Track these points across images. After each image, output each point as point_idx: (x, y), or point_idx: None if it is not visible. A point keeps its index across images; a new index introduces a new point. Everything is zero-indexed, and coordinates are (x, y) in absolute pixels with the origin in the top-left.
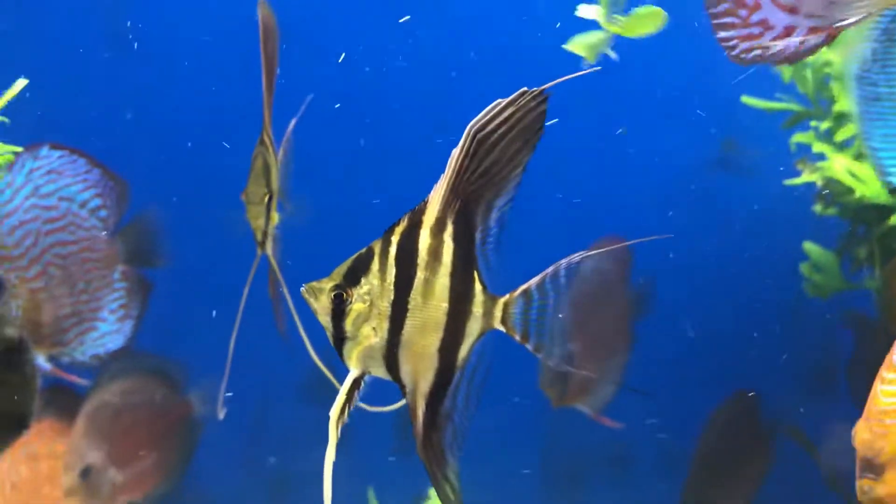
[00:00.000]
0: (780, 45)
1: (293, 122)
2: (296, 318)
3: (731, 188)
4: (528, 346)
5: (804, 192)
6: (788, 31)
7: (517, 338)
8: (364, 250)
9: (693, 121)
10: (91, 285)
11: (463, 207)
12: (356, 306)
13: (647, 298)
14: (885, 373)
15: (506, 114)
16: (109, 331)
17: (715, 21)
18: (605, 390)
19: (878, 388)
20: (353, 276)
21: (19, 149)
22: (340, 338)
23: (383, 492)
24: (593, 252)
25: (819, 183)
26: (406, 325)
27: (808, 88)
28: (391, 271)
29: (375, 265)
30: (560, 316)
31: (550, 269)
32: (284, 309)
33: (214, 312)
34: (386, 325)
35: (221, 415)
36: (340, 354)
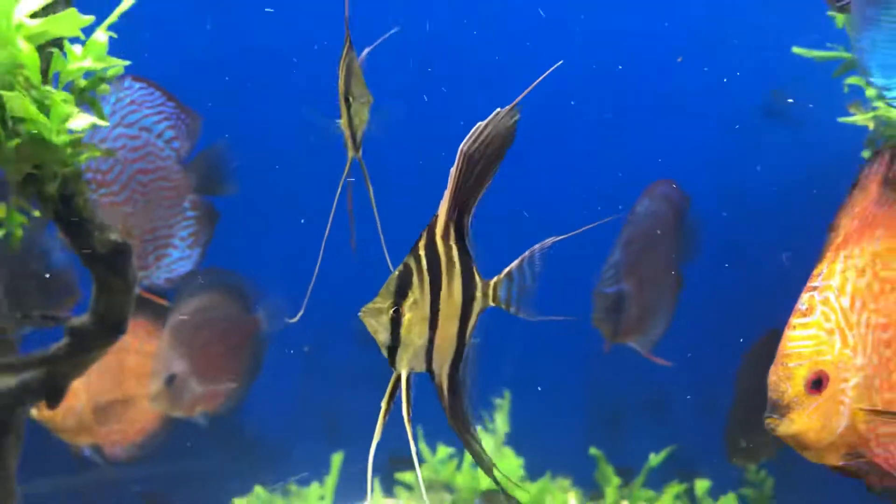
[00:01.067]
0: None
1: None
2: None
3: (783, 138)
4: (513, 311)
5: (856, 138)
6: None
7: (505, 308)
8: (402, 267)
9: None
10: (165, 213)
11: (457, 214)
12: (407, 317)
13: (696, 242)
14: (792, 319)
15: (486, 133)
16: (180, 256)
17: None
18: (656, 329)
19: (786, 333)
20: (402, 292)
21: (127, 62)
22: (395, 346)
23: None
24: (561, 237)
25: (871, 126)
26: (438, 322)
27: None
28: (426, 281)
29: (415, 279)
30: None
31: (527, 252)
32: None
33: (302, 220)
34: (427, 326)
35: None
36: (392, 361)
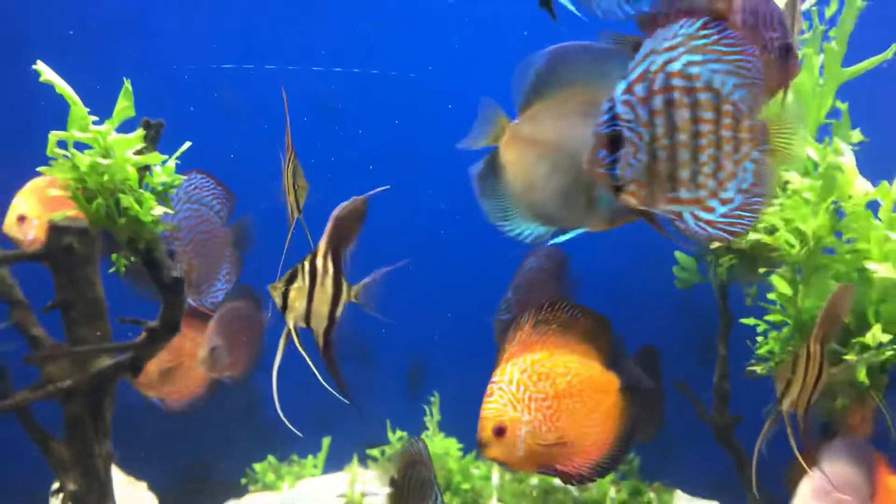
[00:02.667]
0: None
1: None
2: None
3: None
4: (366, 309)
5: None
6: None
7: (359, 304)
8: (294, 268)
9: None
10: (214, 260)
11: (335, 247)
12: (292, 294)
13: (574, 288)
14: (484, 398)
15: (350, 207)
16: (220, 287)
17: None
18: None
19: (482, 405)
20: (291, 281)
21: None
22: (284, 307)
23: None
24: (392, 267)
25: None
26: (314, 301)
27: None
28: (307, 278)
29: (300, 275)
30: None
31: (379, 272)
32: None
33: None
34: (305, 300)
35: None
36: (285, 316)
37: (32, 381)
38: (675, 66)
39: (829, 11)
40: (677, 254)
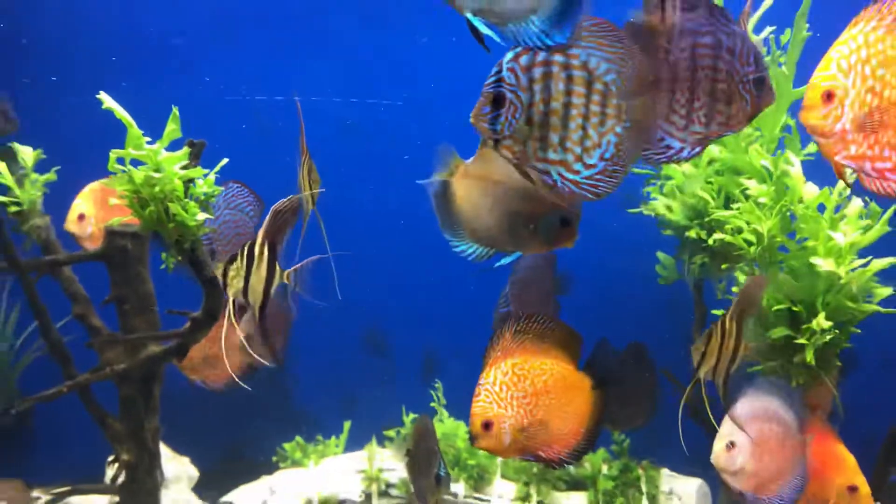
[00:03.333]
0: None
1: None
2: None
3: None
4: (297, 290)
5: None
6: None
7: (291, 285)
8: (234, 253)
9: None
10: None
11: (271, 237)
12: (231, 273)
13: (565, 283)
14: (473, 399)
15: (285, 204)
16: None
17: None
18: None
19: (472, 404)
20: (231, 262)
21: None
22: (224, 285)
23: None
24: (318, 257)
25: (653, 213)
26: (251, 280)
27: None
28: (244, 261)
29: (238, 259)
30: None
31: (307, 260)
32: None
33: None
34: (243, 280)
35: None
36: (226, 292)
37: (92, 366)
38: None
39: (783, 39)
40: (659, 254)
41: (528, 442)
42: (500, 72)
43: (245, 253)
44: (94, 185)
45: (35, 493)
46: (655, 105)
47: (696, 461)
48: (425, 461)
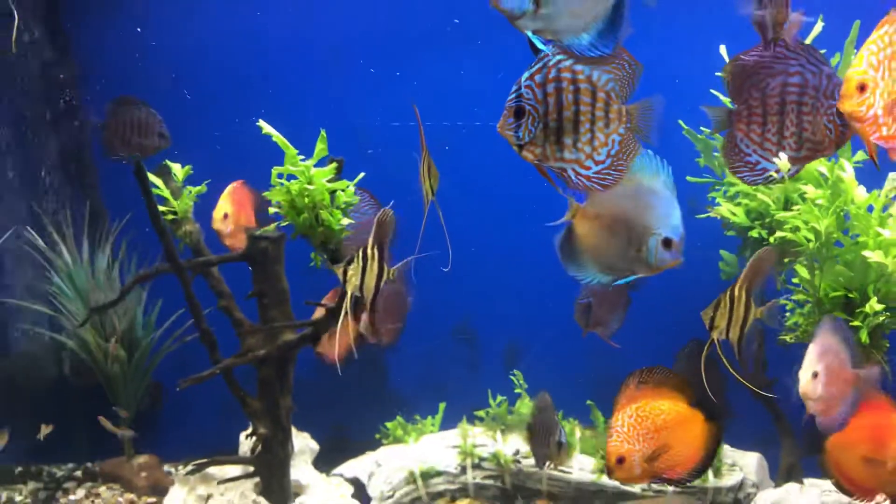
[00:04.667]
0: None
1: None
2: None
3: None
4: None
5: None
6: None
7: (393, 281)
8: (351, 255)
9: None
10: None
11: (379, 242)
12: (350, 272)
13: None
14: (608, 439)
15: (387, 215)
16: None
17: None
18: (612, 326)
19: (607, 443)
20: (350, 263)
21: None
22: (344, 281)
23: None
24: (414, 257)
25: (718, 216)
26: (365, 277)
27: (716, 169)
28: (360, 262)
29: (356, 261)
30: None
31: (404, 261)
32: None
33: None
34: (359, 277)
35: None
36: (345, 286)
37: (234, 352)
38: (565, 64)
39: (833, 61)
40: (722, 251)
41: (654, 468)
42: (519, 89)
43: (360, 255)
44: (232, 186)
45: (165, 468)
46: (654, 112)
47: (755, 438)
48: (545, 431)
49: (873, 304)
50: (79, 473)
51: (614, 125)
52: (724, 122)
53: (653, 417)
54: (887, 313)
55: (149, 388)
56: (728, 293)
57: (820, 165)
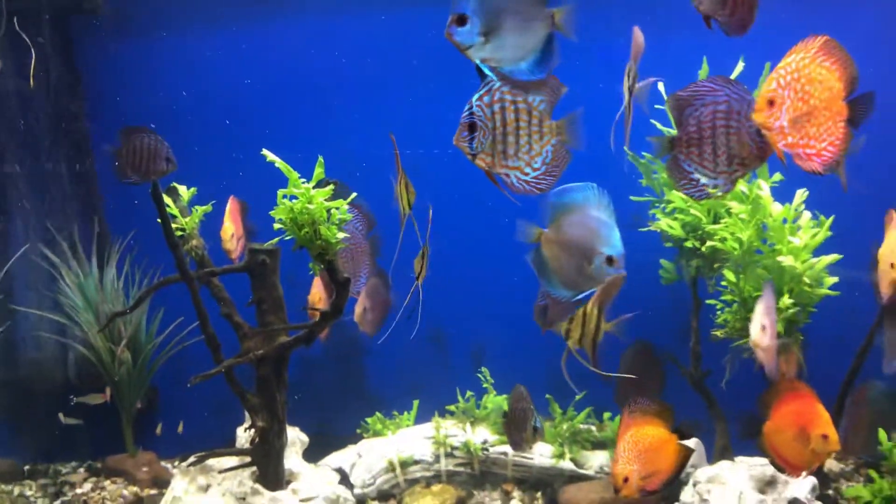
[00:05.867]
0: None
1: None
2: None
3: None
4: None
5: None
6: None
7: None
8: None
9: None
10: (358, 262)
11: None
12: (419, 263)
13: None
14: (613, 465)
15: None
16: (361, 284)
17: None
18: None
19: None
20: (422, 256)
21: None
22: (418, 275)
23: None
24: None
25: (658, 230)
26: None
27: (655, 188)
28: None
29: (420, 256)
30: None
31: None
32: None
33: None
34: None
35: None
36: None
37: (235, 353)
38: (506, 88)
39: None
40: (662, 260)
41: (645, 484)
42: (471, 108)
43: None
44: (230, 206)
45: (163, 464)
46: (578, 125)
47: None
48: (522, 418)
49: (786, 301)
50: (83, 470)
51: (547, 138)
52: (664, 149)
53: (644, 441)
54: (797, 308)
55: (146, 392)
56: (582, 310)
57: (742, 185)
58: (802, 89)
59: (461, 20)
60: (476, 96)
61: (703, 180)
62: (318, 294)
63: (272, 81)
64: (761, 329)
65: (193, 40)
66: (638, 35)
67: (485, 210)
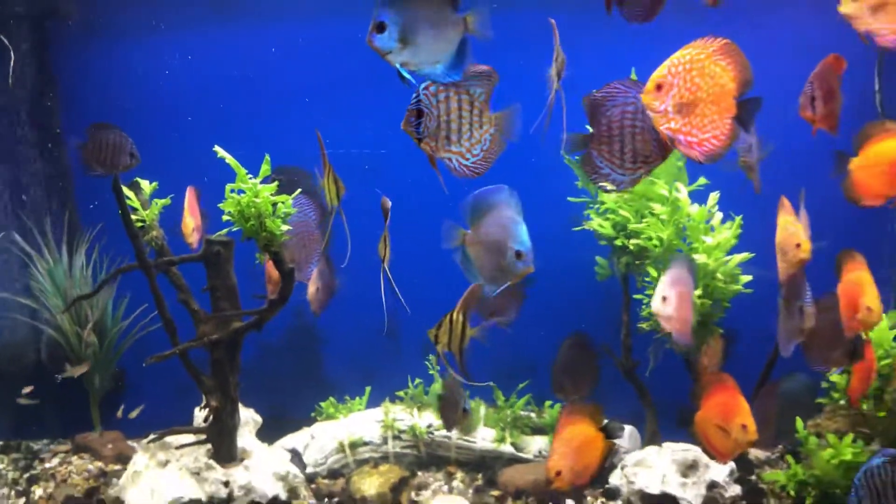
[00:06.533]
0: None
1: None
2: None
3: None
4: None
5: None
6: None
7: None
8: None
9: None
10: (312, 250)
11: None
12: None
13: (530, 280)
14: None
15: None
16: (312, 269)
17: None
18: (508, 315)
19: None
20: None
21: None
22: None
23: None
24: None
25: (591, 229)
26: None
27: (590, 190)
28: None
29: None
30: None
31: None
32: None
33: None
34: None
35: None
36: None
37: (190, 337)
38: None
39: None
40: (597, 258)
41: (575, 478)
42: (418, 96)
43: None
44: (188, 198)
45: (129, 443)
46: (514, 118)
47: (629, 416)
48: (454, 402)
49: (698, 295)
50: (54, 447)
51: (486, 127)
52: (578, 145)
53: (576, 438)
54: (709, 301)
55: (114, 374)
56: (448, 316)
57: (663, 189)
58: (692, 80)
59: (380, 27)
60: (423, 85)
61: (604, 182)
62: (274, 273)
63: (231, 82)
64: (662, 300)
65: (159, 43)
66: (554, 25)
67: (433, 208)
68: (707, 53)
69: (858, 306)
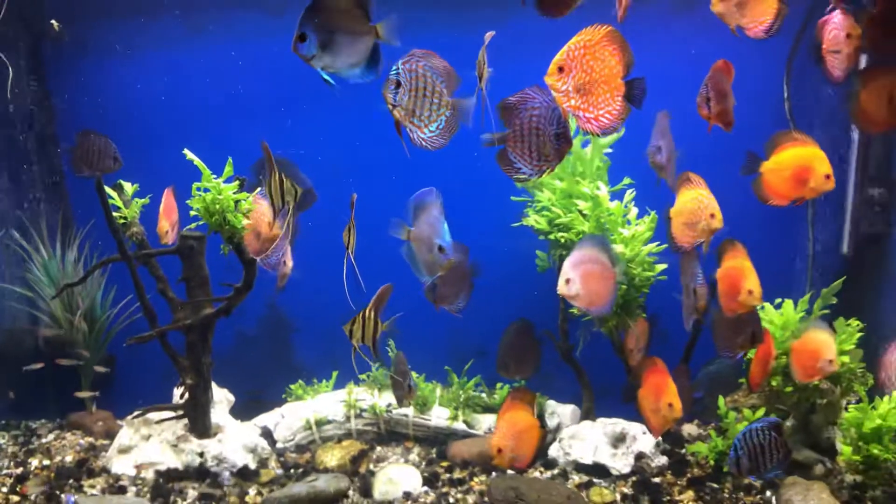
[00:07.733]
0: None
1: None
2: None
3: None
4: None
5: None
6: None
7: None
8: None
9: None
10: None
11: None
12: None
13: (476, 270)
14: None
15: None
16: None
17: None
18: (457, 303)
19: None
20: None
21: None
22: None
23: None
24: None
25: (529, 224)
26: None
27: (529, 189)
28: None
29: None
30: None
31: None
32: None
33: None
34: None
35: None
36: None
37: (167, 321)
38: (422, 63)
39: None
40: (537, 251)
41: (514, 461)
42: (398, 70)
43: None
44: (164, 201)
45: (119, 422)
46: (468, 106)
47: (571, 396)
48: (402, 378)
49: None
50: (50, 425)
51: (443, 109)
52: (498, 142)
53: (516, 423)
54: (626, 286)
55: (104, 359)
56: (361, 313)
57: (585, 187)
58: (588, 63)
59: (302, 37)
60: (401, 62)
61: (517, 175)
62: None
63: (206, 94)
64: (566, 282)
65: (142, 60)
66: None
67: (393, 205)
68: (596, 40)
69: (739, 289)
